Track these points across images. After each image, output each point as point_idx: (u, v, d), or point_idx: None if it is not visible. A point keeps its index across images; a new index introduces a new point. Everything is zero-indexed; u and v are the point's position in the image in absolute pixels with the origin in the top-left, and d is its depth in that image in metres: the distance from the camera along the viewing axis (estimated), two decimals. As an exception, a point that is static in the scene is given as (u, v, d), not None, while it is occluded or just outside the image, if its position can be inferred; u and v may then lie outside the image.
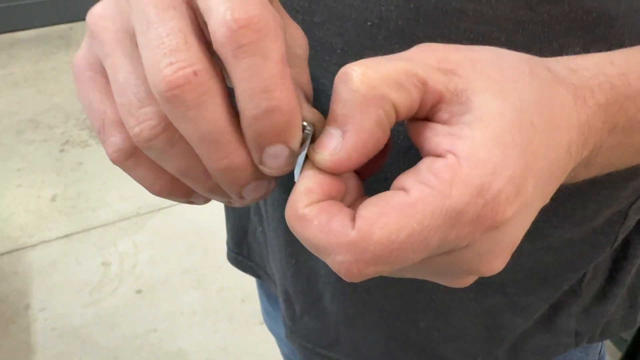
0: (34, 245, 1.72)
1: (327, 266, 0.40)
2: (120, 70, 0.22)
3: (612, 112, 0.25)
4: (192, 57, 0.20)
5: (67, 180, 1.95)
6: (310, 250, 0.22)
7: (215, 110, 0.20)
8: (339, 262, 0.20)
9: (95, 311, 1.52)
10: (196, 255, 1.68)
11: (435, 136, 0.21)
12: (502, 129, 0.20)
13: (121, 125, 0.23)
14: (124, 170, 0.24)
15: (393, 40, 0.29)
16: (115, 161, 0.24)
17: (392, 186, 0.22)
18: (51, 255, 1.68)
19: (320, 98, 0.33)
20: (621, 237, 0.40)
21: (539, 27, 0.28)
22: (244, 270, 0.54)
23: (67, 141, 2.13)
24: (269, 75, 0.20)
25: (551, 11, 0.27)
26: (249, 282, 1.61)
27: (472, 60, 0.22)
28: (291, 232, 0.45)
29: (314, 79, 0.33)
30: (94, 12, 0.23)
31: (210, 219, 1.79)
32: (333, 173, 0.22)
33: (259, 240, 0.50)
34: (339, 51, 0.31)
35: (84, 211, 1.83)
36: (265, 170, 0.22)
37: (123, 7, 0.22)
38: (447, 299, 0.40)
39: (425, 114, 0.22)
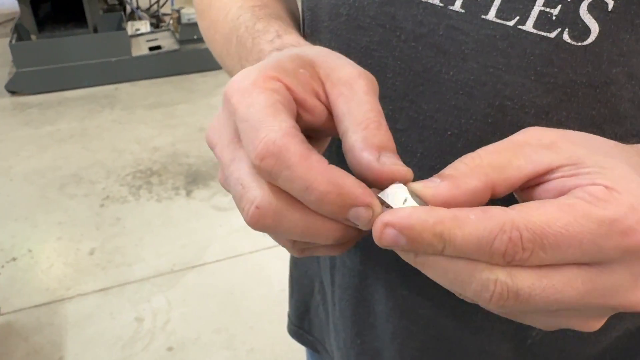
0: (70, 298, 1.76)
1: (391, 347, 0.43)
2: None
3: None
4: None
5: (106, 234, 2.02)
6: None
7: None
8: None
9: (127, 367, 1.54)
10: (228, 315, 1.70)
11: (565, 179, 0.23)
12: (628, 171, 0.23)
13: None
14: None
15: (471, 148, 0.33)
16: None
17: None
18: (86, 309, 1.72)
19: None
20: None
21: None
22: (303, 343, 0.57)
23: (107, 197, 2.22)
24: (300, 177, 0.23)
25: None
26: (279, 344, 1.62)
27: (564, 136, 0.25)
28: (358, 314, 0.48)
29: None
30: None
31: (242, 279, 1.82)
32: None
33: (320, 317, 0.53)
34: (419, 155, 0.35)
35: (120, 266, 1.88)
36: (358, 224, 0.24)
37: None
38: None
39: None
